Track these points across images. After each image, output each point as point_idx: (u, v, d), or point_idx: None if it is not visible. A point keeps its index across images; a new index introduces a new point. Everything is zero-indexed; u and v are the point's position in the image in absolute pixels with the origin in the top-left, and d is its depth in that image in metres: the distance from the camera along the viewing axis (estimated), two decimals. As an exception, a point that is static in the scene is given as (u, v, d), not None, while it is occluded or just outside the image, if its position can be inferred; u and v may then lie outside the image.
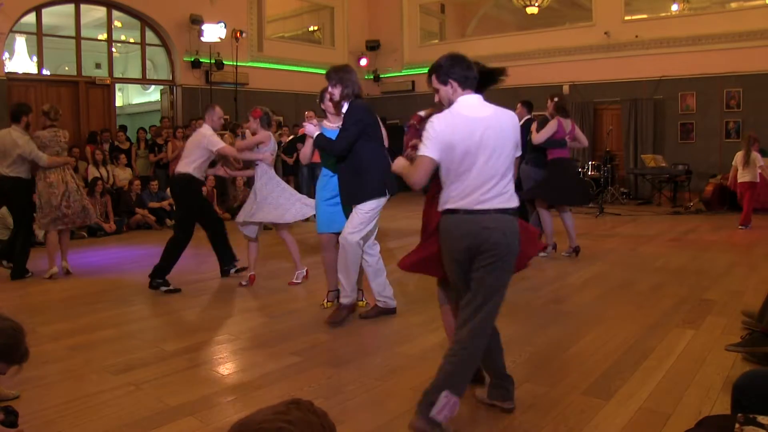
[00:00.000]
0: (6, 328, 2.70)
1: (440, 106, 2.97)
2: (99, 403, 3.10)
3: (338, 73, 4.33)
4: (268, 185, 5.53)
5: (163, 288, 5.47)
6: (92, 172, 9.68)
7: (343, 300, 4.49)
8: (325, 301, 4.87)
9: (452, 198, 2.79)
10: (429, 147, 2.76)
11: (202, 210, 5.93)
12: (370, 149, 4.31)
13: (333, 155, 4.38)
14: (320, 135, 4.34)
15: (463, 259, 2.77)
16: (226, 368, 3.67)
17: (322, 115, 4.83)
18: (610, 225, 9.06)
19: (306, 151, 4.70)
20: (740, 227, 8.76)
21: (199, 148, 5.56)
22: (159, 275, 5.51)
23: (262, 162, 5.51)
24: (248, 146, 5.54)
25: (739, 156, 9.01)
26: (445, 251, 2.87)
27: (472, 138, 2.73)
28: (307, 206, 5.58)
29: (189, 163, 5.57)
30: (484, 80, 2.98)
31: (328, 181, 4.59)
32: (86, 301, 5.27)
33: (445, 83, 2.87)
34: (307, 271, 5.80)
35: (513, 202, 2.82)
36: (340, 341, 4.05)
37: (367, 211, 4.29)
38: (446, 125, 2.77)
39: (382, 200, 4.36)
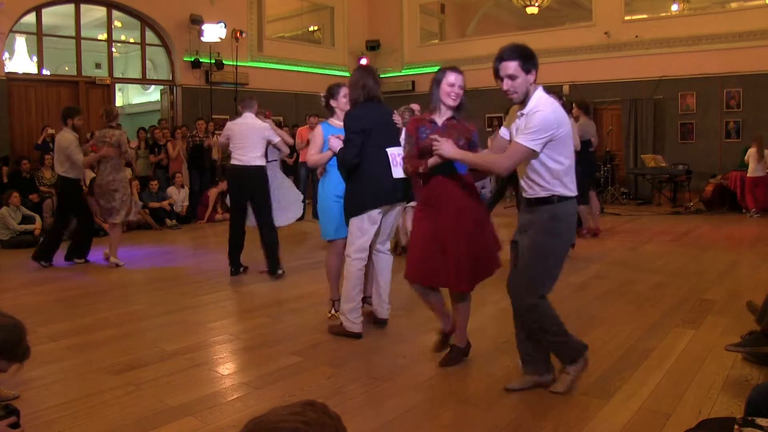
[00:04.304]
0: (7, 324, 2.68)
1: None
2: (99, 403, 3.10)
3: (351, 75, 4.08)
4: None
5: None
6: (91, 173, 9.62)
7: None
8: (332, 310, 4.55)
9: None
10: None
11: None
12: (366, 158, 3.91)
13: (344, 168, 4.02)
14: (341, 149, 3.94)
15: None
16: (226, 368, 3.67)
17: (324, 115, 4.68)
18: (610, 225, 9.05)
19: (315, 159, 4.31)
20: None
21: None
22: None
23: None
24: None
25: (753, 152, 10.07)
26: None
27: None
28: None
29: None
30: None
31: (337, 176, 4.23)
32: (86, 301, 5.27)
33: (528, 72, 2.85)
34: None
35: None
36: (340, 341, 4.04)
37: (355, 225, 3.98)
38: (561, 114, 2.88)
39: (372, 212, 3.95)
